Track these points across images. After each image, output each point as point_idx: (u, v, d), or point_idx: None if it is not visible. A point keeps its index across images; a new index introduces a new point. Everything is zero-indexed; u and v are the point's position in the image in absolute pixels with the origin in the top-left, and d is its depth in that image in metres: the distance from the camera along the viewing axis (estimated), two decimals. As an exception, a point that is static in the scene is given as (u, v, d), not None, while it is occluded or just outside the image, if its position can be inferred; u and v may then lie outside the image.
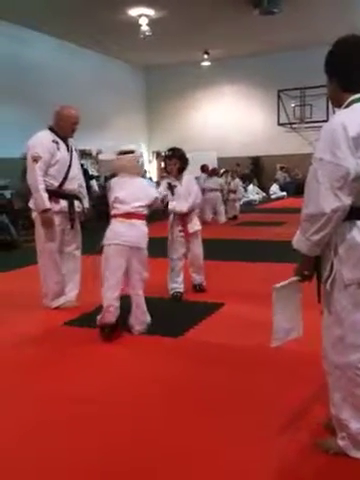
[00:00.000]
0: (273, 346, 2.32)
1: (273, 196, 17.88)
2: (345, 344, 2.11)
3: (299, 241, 2.14)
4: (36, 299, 4.98)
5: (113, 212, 3.89)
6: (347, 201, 1.97)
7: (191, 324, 4.14)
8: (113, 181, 4.02)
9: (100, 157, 16.03)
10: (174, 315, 4.44)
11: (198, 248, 5.13)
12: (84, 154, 16.07)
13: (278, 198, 17.62)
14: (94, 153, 16.15)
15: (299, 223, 2.13)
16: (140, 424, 2.61)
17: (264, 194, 17.77)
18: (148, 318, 3.99)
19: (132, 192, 3.87)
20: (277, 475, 2.16)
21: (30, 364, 3.47)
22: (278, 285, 2.25)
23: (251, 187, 17.29)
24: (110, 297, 3.75)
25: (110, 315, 3.75)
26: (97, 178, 14.82)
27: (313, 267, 2.19)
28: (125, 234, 3.78)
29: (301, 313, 2.37)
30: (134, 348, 3.69)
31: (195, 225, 5.10)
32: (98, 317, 3.83)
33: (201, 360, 3.45)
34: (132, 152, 3.99)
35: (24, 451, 2.40)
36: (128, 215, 3.83)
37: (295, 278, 2.26)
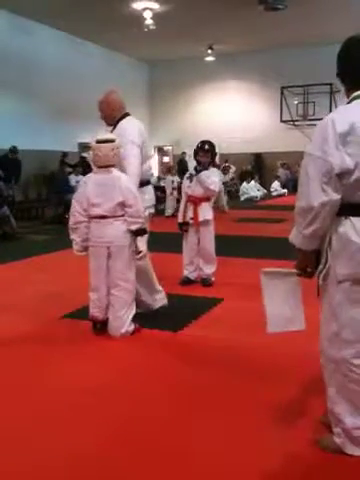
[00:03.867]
0: (268, 332, 2.39)
1: (274, 193, 17.85)
2: (340, 339, 2.14)
3: (293, 235, 2.19)
4: (36, 290, 5.00)
5: (89, 213, 3.70)
6: (334, 196, 2.02)
7: (190, 319, 4.15)
8: (89, 178, 3.76)
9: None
10: (173, 309, 4.44)
11: (206, 238, 5.18)
12: (86, 147, 16.06)
13: (279, 195, 17.61)
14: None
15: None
16: (137, 419, 2.62)
17: (265, 191, 17.75)
18: (125, 327, 3.74)
19: (104, 192, 3.65)
20: (276, 473, 2.17)
21: (27, 357, 3.47)
22: (266, 269, 2.31)
23: (252, 183, 17.28)
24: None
25: (95, 311, 3.78)
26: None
27: (314, 263, 2.21)
28: (101, 235, 3.69)
29: (301, 307, 2.39)
30: (132, 342, 3.70)
31: (206, 214, 5.17)
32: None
33: (199, 355, 3.46)
34: (112, 141, 3.65)
35: (22, 448, 2.39)
36: (103, 217, 3.68)
37: (289, 270, 2.31)
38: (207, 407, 2.73)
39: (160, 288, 4.31)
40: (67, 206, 11.61)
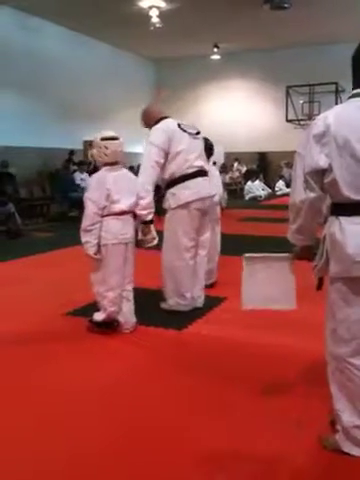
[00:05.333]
0: (243, 308, 2.56)
1: (278, 192, 17.81)
2: (337, 336, 2.18)
3: (288, 230, 2.31)
4: (39, 287, 5.01)
5: (110, 210, 3.66)
6: (310, 194, 2.12)
7: (194, 317, 4.16)
8: (104, 176, 3.68)
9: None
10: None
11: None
12: (90, 145, 16.05)
13: (283, 194, 17.57)
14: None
15: None
16: (140, 418, 2.62)
17: (269, 190, 17.72)
18: (134, 319, 3.90)
19: (122, 188, 3.68)
20: (281, 472, 2.17)
21: (29, 354, 3.47)
22: (248, 254, 2.51)
23: (257, 182, 17.25)
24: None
25: (113, 310, 3.75)
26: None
27: (312, 257, 2.30)
28: (123, 231, 3.70)
29: (292, 287, 2.49)
30: (137, 340, 3.71)
31: None
32: (98, 314, 3.80)
33: (203, 354, 3.47)
34: (117, 139, 3.71)
35: (23, 448, 2.39)
36: (124, 213, 3.71)
37: (279, 255, 2.47)
38: (211, 407, 2.73)
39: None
40: (72, 203, 11.71)
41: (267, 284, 2.46)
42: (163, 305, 4.32)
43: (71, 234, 9.11)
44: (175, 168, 4.17)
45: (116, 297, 3.73)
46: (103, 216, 3.63)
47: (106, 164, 3.70)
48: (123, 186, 3.68)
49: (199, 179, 4.24)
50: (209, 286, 4.99)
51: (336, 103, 15.84)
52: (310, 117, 17.45)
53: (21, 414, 2.66)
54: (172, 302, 4.26)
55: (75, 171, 12.35)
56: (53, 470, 2.19)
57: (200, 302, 4.45)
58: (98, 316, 3.79)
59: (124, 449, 2.33)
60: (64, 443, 2.38)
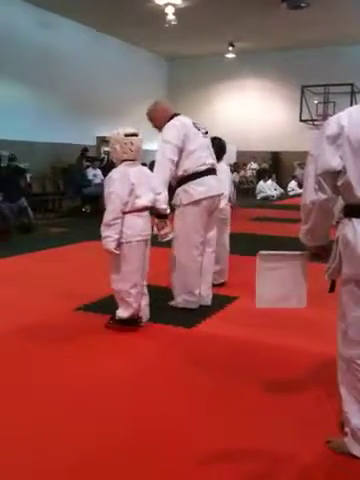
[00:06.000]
0: (257, 307, 2.53)
1: (291, 193, 17.74)
2: (347, 338, 2.17)
3: (300, 231, 2.30)
4: (50, 282, 5.02)
5: (132, 206, 3.65)
6: (322, 196, 2.10)
7: (204, 316, 4.15)
8: (127, 171, 3.66)
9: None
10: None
11: (218, 233, 5.00)
12: (103, 141, 16.11)
13: (296, 195, 17.50)
14: (113, 141, 16.15)
15: None
16: (142, 416, 2.62)
17: (282, 190, 17.65)
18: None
19: (142, 183, 3.70)
20: (288, 472, 2.16)
21: (39, 349, 3.48)
22: (264, 252, 2.47)
23: (270, 182, 17.20)
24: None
25: (136, 306, 3.77)
26: (115, 166, 14.84)
27: (326, 258, 2.29)
28: (145, 228, 3.74)
29: (304, 286, 2.48)
30: (146, 337, 3.71)
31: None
32: (122, 311, 3.79)
33: (212, 352, 3.47)
34: (138, 135, 3.71)
35: (22, 450, 2.39)
36: (145, 209, 3.74)
37: (294, 252, 2.44)
38: (217, 405, 2.72)
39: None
40: (84, 199, 11.75)
41: (281, 282, 2.45)
42: (171, 302, 4.33)
43: (83, 229, 9.25)
44: (189, 165, 4.16)
45: (138, 293, 3.77)
46: (125, 213, 3.62)
47: (125, 160, 3.69)
48: (143, 181, 3.70)
49: (210, 177, 4.25)
50: (219, 285, 4.98)
51: (351, 104, 15.75)
52: (324, 118, 17.37)
53: (25, 410, 2.65)
54: (180, 300, 4.28)
55: (88, 167, 12.39)
56: (58, 462, 2.19)
57: (208, 300, 4.45)
58: (123, 313, 3.77)
59: (126, 447, 2.32)
60: (71, 438, 2.38)
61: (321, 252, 2.31)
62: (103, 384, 2.93)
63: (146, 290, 3.91)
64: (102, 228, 3.62)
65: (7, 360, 3.28)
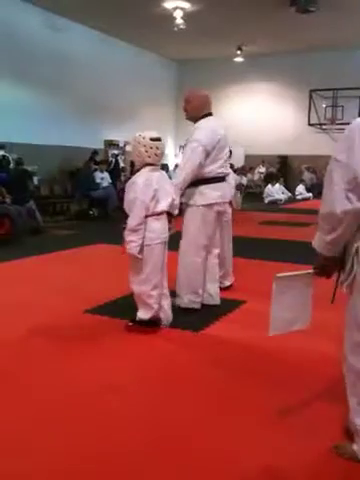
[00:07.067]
0: (270, 335, 2.39)
1: (299, 197, 17.70)
2: None
3: (316, 239, 2.18)
4: (59, 284, 5.04)
5: (154, 210, 3.69)
6: (358, 204, 1.96)
7: (212, 320, 4.15)
8: (149, 176, 3.68)
9: (128, 148, 16.08)
10: (195, 309, 4.44)
11: (221, 236, 4.92)
12: (111, 145, 16.16)
13: (304, 199, 17.46)
14: (121, 144, 16.22)
15: None
16: (146, 416, 2.62)
17: (290, 194, 17.61)
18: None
19: (162, 188, 3.75)
20: (296, 476, 2.16)
21: (47, 351, 3.48)
22: (280, 274, 2.30)
23: (277, 186, 17.16)
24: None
25: (157, 308, 3.80)
26: (123, 169, 14.89)
27: (335, 268, 2.20)
28: (164, 231, 3.79)
29: (310, 306, 2.41)
30: (154, 340, 3.71)
31: None
32: (143, 312, 3.81)
33: (219, 356, 3.46)
34: (160, 140, 3.76)
35: (28, 446, 2.41)
36: (163, 213, 3.78)
37: (304, 272, 2.32)
38: (224, 410, 2.72)
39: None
40: (92, 202, 11.78)
41: (291, 305, 2.36)
42: (176, 302, 4.34)
43: (91, 232, 9.28)
44: (212, 169, 4.26)
45: (159, 295, 3.80)
46: (146, 216, 3.66)
47: (147, 164, 3.71)
48: (164, 186, 3.76)
49: (224, 183, 4.40)
50: (225, 288, 4.98)
51: (360, 108, 15.73)
52: (333, 122, 17.35)
53: (29, 410, 2.66)
54: (186, 300, 4.31)
55: (96, 170, 12.44)
56: (63, 465, 2.19)
57: (217, 299, 4.51)
58: (144, 315, 3.79)
59: (131, 449, 2.32)
60: (71, 440, 2.39)
61: (331, 263, 2.19)
62: (110, 385, 2.94)
63: (167, 291, 3.95)
64: (126, 233, 3.65)
65: (17, 359, 3.30)
